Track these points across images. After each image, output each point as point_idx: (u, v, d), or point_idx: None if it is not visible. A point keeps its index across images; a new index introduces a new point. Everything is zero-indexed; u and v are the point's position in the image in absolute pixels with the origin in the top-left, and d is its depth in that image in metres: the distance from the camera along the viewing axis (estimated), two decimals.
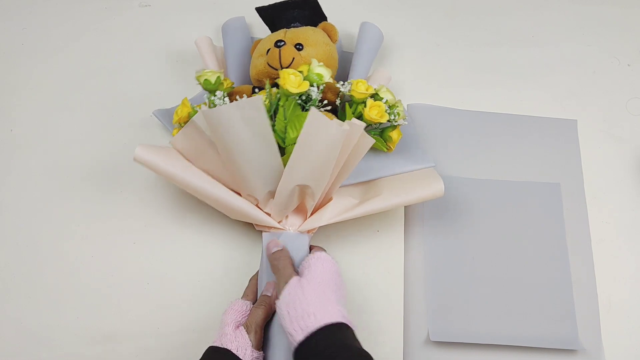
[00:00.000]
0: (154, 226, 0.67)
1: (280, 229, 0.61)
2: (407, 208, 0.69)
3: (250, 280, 0.61)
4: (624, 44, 0.83)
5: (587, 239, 0.68)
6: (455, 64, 0.81)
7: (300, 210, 0.62)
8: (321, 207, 0.62)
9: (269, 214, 0.61)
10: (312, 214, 0.61)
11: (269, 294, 0.56)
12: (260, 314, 0.54)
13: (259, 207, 0.61)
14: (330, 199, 0.62)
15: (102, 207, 0.68)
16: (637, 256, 0.68)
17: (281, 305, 0.51)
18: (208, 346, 0.52)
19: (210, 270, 0.65)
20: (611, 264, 0.67)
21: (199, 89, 0.70)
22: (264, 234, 0.62)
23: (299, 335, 0.48)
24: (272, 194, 0.59)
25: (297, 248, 0.59)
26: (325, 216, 0.61)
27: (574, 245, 0.68)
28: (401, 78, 0.79)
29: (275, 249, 0.58)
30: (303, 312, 0.49)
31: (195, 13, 0.84)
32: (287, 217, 0.61)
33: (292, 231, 0.60)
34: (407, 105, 0.76)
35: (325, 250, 0.59)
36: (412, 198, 0.61)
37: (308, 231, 0.61)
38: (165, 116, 0.71)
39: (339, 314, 0.49)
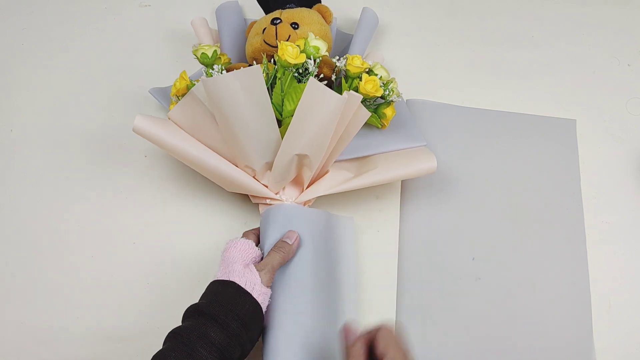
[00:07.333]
0: (153, 226, 0.67)
1: (278, 200, 0.61)
2: (402, 209, 0.69)
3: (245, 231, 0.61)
4: (624, 44, 0.83)
5: (584, 239, 0.68)
6: (454, 63, 0.81)
7: (297, 182, 0.62)
8: (318, 179, 0.63)
9: (266, 186, 0.61)
10: (309, 186, 0.62)
11: (290, 242, 0.57)
12: (277, 258, 0.55)
13: (256, 179, 0.61)
14: (327, 172, 0.63)
15: (102, 207, 0.68)
16: (637, 256, 0.68)
17: None
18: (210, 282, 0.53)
19: (210, 270, 0.65)
20: (611, 263, 0.67)
21: (197, 68, 0.70)
22: (260, 206, 0.62)
23: None
24: (269, 166, 0.60)
25: (294, 219, 0.60)
26: (322, 187, 0.62)
27: (572, 246, 0.68)
28: (400, 78, 0.79)
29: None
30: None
31: (195, 13, 0.84)
32: (284, 188, 0.62)
33: (289, 203, 0.61)
34: (407, 100, 0.76)
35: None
36: (406, 172, 0.63)
37: (304, 203, 0.62)
38: (161, 94, 0.71)
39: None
